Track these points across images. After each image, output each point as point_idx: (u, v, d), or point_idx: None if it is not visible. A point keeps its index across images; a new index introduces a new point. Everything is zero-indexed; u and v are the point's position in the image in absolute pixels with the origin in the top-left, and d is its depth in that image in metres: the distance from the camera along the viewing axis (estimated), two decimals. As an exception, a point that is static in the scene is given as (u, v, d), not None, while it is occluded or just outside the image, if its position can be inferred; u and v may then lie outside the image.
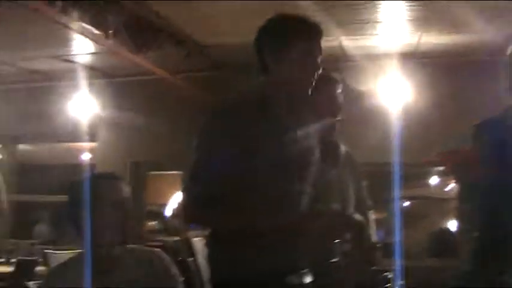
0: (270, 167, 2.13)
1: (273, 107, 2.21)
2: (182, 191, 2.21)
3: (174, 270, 2.40)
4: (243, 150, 2.11)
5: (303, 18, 2.29)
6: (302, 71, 2.22)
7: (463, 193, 2.86)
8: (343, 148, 3.02)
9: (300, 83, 2.23)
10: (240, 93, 2.34)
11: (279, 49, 2.22)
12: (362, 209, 2.92)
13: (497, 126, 2.79)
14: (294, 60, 2.20)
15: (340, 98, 3.00)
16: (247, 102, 2.23)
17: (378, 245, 2.90)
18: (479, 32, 7.09)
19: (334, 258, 2.55)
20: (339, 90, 3.01)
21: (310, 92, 2.26)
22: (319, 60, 2.27)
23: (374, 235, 3.08)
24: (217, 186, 2.12)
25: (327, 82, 2.92)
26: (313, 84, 2.25)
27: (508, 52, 2.77)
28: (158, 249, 2.42)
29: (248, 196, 2.13)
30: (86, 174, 2.38)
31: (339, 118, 2.97)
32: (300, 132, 2.24)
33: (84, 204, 2.23)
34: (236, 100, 2.29)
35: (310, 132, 2.30)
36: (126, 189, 2.34)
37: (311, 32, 2.26)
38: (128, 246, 2.35)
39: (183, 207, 2.20)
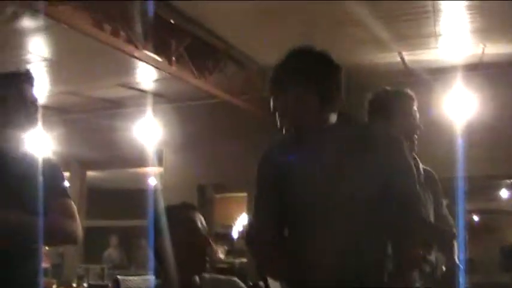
0: (317, 206, 2.10)
1: (301, 146, 2.19)
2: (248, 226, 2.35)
3: None
4: (286, 192, 2.16)
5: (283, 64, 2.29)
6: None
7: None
8: (422, 166, 2.94)
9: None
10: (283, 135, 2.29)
11: None
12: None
13: None
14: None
15: (417, 116, 2.92)
16: (283, 145, 2.26)
17: (459, 267, 2.82)
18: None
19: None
20: (415, 108, 2.92)
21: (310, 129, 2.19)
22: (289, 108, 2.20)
23: (456, 256, 2.97)
24: (270, 226, 2.21)
25: (403, 99, 2.88)
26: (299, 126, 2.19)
27: None
28: (235, 278, 2.46)
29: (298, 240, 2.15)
30: (163, 203, 2.45)
31: (416, 136, 2.87)
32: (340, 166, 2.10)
33: (164, 233, 2.31)
34: (276, 142, 2.31)
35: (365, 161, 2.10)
36: (201, 219, 2.41)
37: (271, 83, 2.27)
38: (205, 274, 2.41)
39: (246, 242, 2.37)
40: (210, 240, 2.37)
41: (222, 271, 9.11)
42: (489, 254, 10.93)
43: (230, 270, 9.70)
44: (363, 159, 2.06)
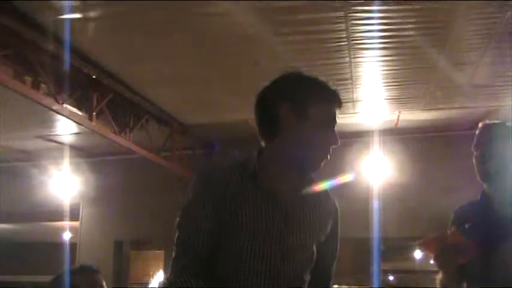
0: (254, 243, 1.97)
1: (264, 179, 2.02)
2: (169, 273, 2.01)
3: None
4: (227, 219, 1.97)
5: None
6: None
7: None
8: None
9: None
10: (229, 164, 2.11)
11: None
12: None
13: (471, 212, 2.77)
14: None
15: None
16: (236, 169, 2.04)
17: None
18: (458, 108, 7.34)
19: None
20: None
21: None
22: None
23: None
24: (203, 262, 1.98)
25: None
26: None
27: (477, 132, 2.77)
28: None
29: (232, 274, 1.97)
30: (66, 266, 2.36)
31: None
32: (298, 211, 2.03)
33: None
34: (224, 167, 2.08)
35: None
36: (103, 282, 2.35)
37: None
38: None
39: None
40: None
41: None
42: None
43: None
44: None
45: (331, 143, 2.00)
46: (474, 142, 2.73)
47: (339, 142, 2.00)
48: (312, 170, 2.06)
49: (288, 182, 2.03)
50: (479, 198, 2.77)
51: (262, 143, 2.06)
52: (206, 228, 1.97)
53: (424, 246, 2.65)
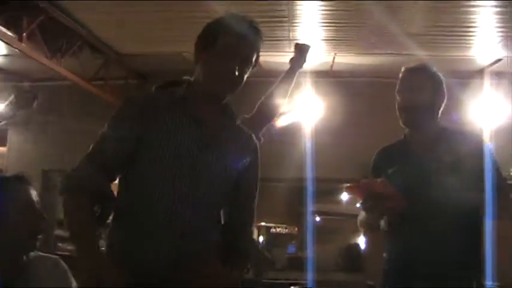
0: (175, 166, 2.08)
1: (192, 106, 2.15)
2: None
3: (70, 279, 2.35)
4: (149, 137, 2.08)
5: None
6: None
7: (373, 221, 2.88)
8: None
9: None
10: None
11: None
12: None
13: (392, 155, 2.88)
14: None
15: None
16: (164, 93, 2.18)
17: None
18: (392, 55, 7.37)
19: None
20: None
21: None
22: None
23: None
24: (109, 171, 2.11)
25: None
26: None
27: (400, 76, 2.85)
28: (56, 257, 2.37)
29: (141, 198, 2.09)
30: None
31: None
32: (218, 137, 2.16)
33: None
34: (154, 90, 2.24)
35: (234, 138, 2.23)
36: (35, 194, 2.28)
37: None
38: (33, 253, 2.29)
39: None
40: (44, 215, 2.25)
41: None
42: (328, 254, 11.39)
43: (71, 257, 9.48)
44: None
45: (231, 75, 2.10)
46: (397, 87, 2.80)
47: (239, 82, 2.13)
48: (219, 98, 2.18)
49: (208, 109, 2.15)
50: (399, 141, 2.85)
51: None
52: (125, 140, 2.08)
53: (352, 191, 2.72)
